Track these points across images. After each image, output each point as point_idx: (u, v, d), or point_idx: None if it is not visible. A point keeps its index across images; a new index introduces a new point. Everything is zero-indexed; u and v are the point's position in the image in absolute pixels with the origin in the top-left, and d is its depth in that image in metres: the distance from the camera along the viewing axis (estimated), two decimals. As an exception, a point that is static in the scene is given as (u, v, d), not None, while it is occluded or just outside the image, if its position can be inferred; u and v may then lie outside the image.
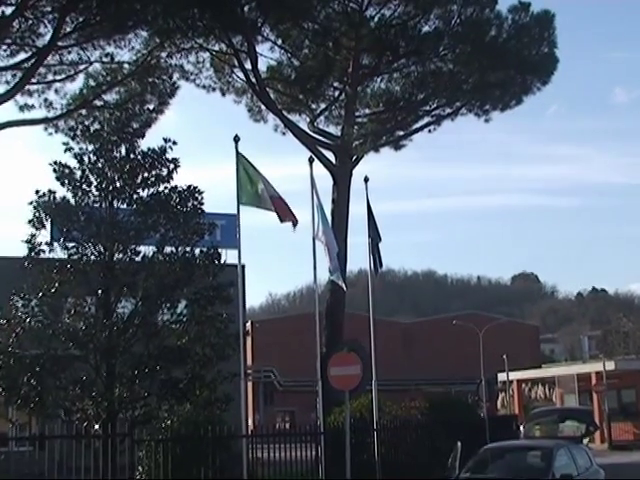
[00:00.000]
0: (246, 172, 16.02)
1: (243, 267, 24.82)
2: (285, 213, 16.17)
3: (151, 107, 26.63)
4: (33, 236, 15.63)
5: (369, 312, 20.28)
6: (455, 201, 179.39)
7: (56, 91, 25.77)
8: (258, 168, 16.14)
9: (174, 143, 16.55)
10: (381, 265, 20.74)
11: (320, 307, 18.57)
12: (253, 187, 16.04)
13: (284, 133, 29.41)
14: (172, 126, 60.99)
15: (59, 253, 15.77)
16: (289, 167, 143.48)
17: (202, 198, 16.55)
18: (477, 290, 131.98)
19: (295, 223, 16.31)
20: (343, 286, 19.85)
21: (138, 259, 15.92)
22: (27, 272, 15.36)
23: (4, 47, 23.23)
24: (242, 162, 16.03)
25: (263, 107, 29.13)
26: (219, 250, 16.59)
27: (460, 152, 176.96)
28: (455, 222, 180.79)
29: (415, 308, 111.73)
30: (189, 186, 16.52)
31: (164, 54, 26.13)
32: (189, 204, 16.42)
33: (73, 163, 16.19)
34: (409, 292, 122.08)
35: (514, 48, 27.07)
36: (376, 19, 27.66)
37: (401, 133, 29.88)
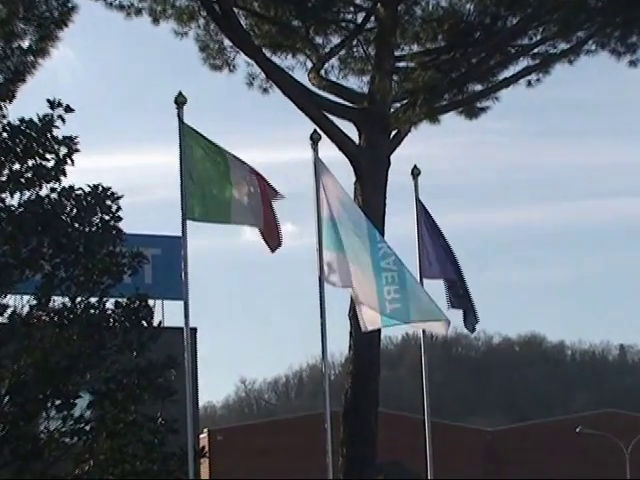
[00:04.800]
0: (201, 155, 15.92)
1: (194, 332, 24.76)
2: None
3: (26, 45, 26.79)
4: None
5: (424, 412, 20.23)
6: (577, 210, 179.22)
7: None
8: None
9: (68, 109, 16.67)
10: (476, 319, 20.44)
11: (333, 403, 18.49)
12: (216, 187, 15.91)
13: (266, 89, 29.50)
14: (67, 79, 61.35)
15: None
16: (276, 150, 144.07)
17: (119, 208, 16.67)
18: (620, 371, 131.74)
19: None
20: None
21: (3, 320, 15.96)
22: None
23: None
24: (191, 140, 15.93)
25: (228, 43, 29.25)
26: (149, 301, 16.61)
27: (588, 121, 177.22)
28: (579, 249, 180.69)
29: (506, 404, 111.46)
30: (96, 186, 16.62)
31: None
32: (95, 219, 16.48)
33: None
34: (496, 376, 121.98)
35: None
36: None
37: (478, 88, 29.90)
